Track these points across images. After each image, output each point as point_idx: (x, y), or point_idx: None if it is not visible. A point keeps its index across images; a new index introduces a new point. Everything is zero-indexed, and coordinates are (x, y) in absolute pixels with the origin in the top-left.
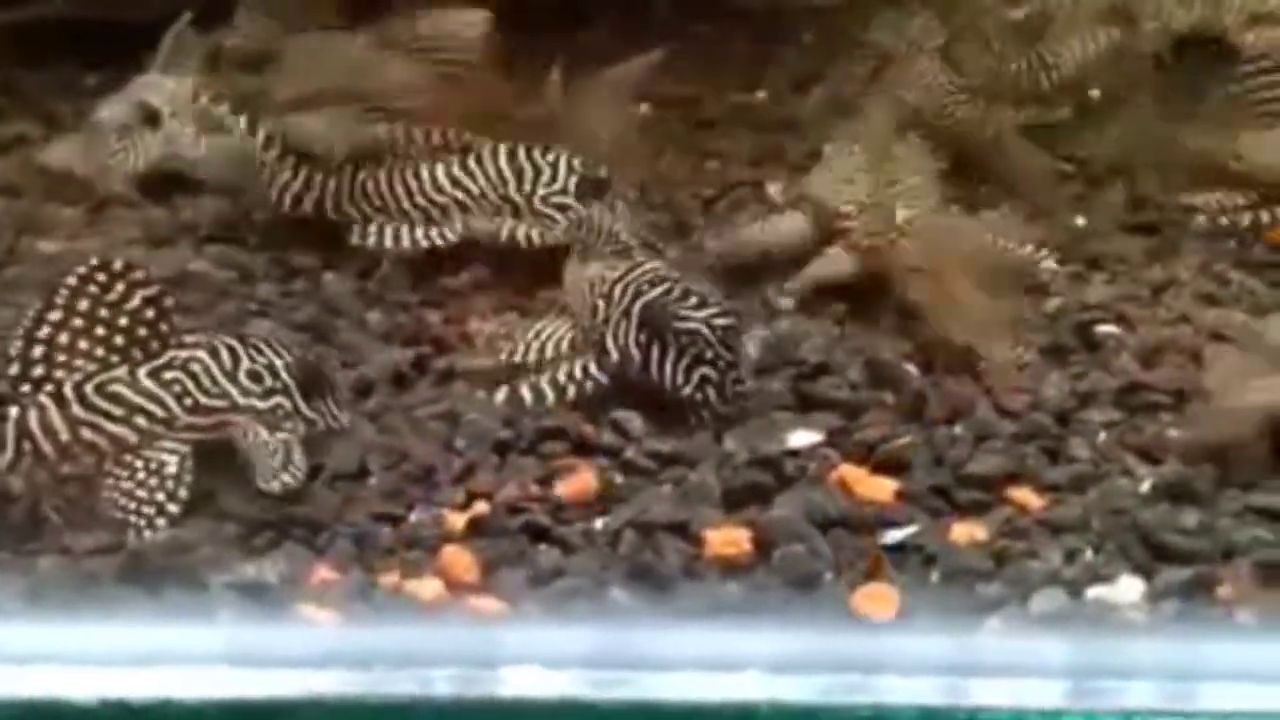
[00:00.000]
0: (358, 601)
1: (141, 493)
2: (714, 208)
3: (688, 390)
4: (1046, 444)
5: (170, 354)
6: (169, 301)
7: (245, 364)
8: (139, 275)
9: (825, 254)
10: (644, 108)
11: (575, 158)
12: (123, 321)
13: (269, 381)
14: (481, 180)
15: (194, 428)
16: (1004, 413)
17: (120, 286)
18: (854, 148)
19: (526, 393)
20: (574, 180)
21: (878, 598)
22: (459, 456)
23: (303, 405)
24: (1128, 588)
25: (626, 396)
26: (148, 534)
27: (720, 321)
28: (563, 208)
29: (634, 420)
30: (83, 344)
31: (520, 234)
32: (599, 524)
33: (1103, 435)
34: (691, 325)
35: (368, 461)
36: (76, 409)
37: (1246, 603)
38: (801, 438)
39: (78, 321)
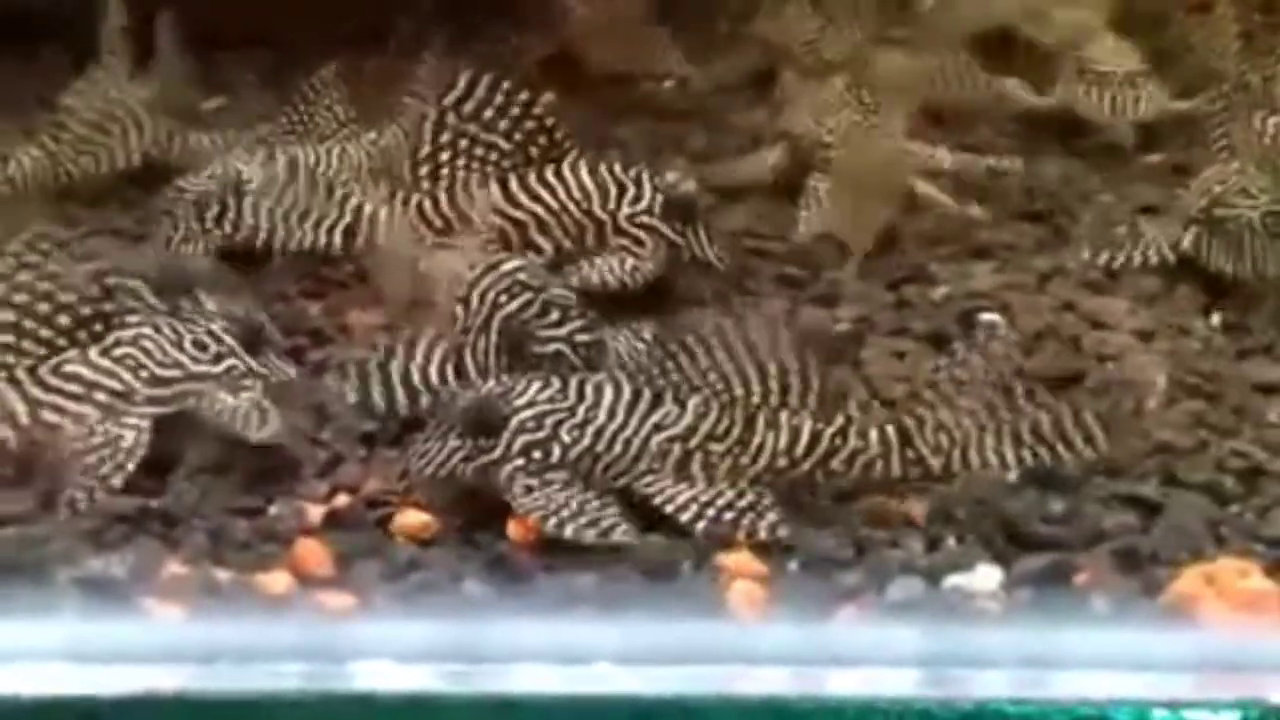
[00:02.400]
0: (206, 596)
1: (90, 461)
2: None
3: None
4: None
5: (115, 334)
6: None
7: (187, 336)
8: None
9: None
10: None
11: (656, 175)
12: None
13: (214, 347)
14: (563, 195)
15: (155, 400)
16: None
17: None
18: (835, 80)
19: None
20: (660, 200)
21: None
22: (325, 449)
23: (251, 362)
24: (985, 576)
25: None
26: (82, 505)
27: (583, 338)
28: (650, 229)
29: None
30: None
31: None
32: None
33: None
34: (553, 348)
35: (230, 454)
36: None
37: (1103, 590)
38: None
39: None
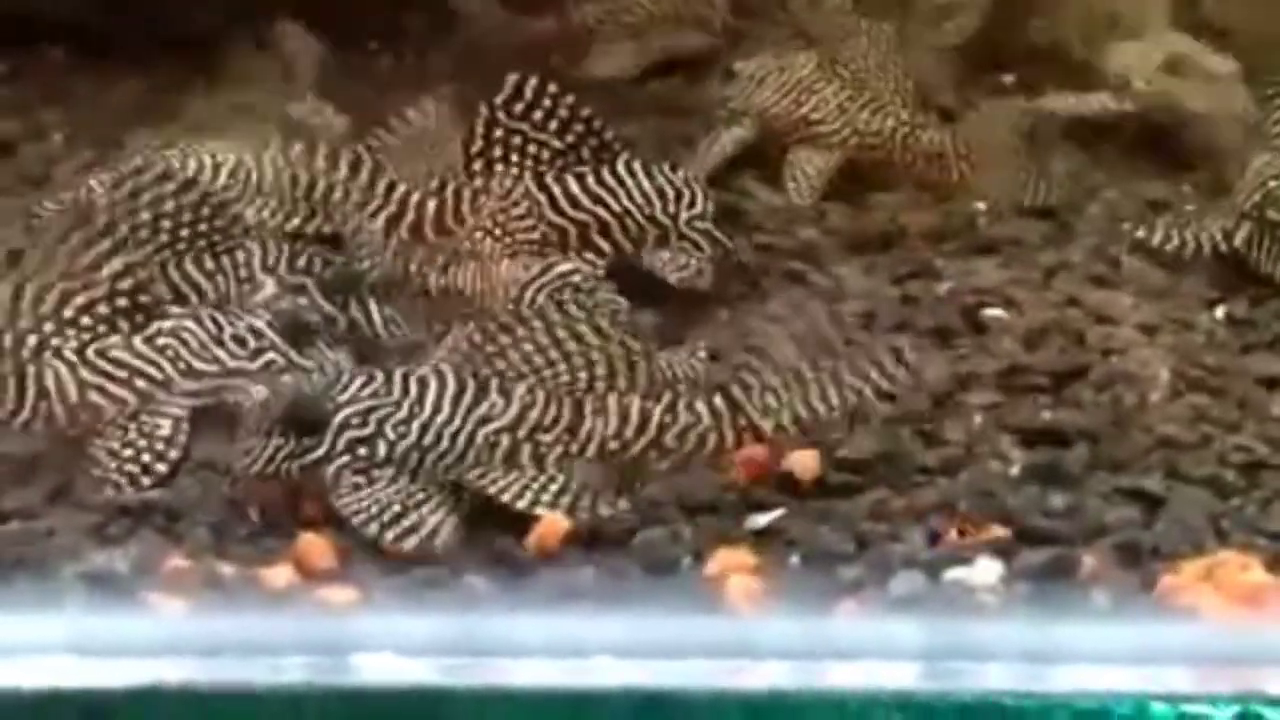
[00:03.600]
0: (209, 589)
1: (129, 452)
2: None
3: None
4: (922, 427)
5: (157, 324)
6: None
7: (228, 330)
8: None
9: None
10: None
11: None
12: None
13: (254, 343)
14: (624, 199)
15: (190, 393)
16: (883, 396)
17: None
18: (803, 58)
19: None
20: (711, 205)
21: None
22: None
23: (295, 357)
24: (986, 569)
25: None
26: (130, 492)
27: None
28: (706, 234)
29: None
30: None
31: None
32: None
33: (978, 418)
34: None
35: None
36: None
37: (1104, 584)
38: None
39: None
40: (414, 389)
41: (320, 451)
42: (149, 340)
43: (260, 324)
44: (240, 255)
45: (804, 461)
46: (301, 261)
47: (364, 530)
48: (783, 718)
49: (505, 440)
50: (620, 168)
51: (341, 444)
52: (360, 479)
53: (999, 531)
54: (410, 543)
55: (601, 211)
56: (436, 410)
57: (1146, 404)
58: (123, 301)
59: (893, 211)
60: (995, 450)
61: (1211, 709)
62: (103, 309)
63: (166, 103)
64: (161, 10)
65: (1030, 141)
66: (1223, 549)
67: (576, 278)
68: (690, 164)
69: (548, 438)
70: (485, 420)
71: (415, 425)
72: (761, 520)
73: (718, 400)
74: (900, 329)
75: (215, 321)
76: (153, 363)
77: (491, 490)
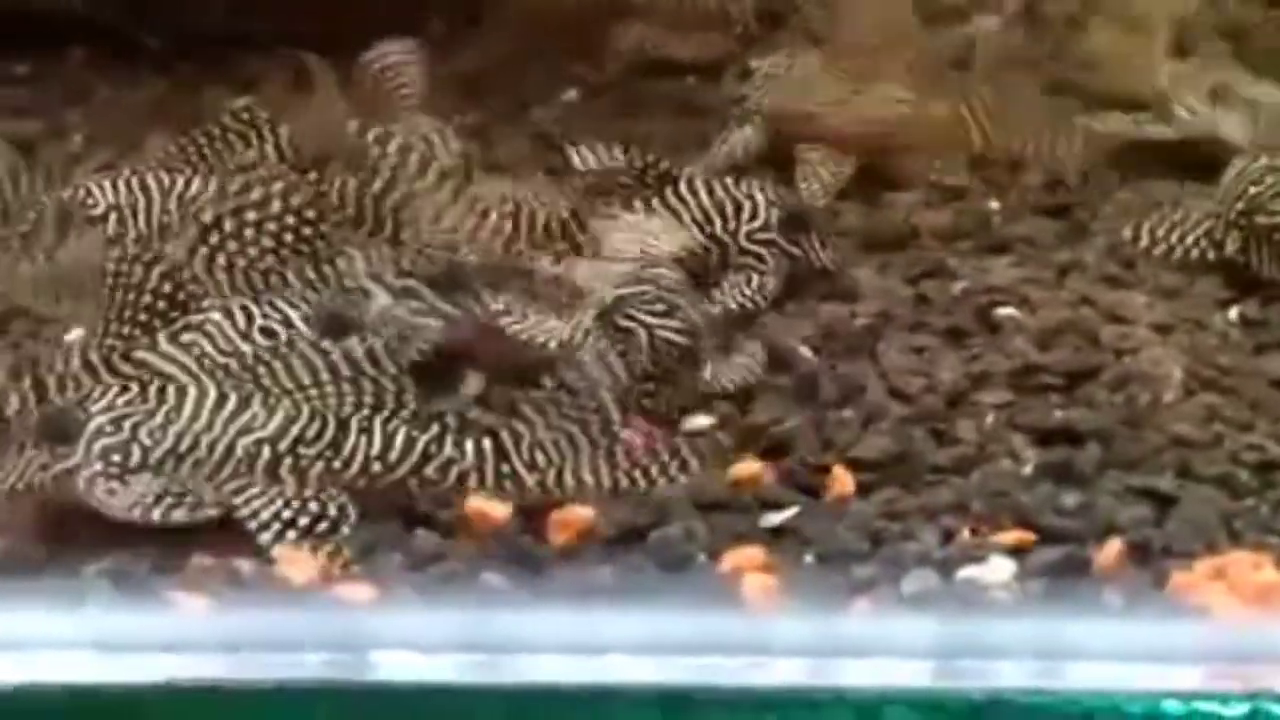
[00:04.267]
0: (230, 586)
1: None
2: None
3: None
4: (935, 426)
5: (186, 319)
6: None
7: (258, 321)
8: None
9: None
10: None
11: (770, 190)
12: None
13: (284, 334)
14: (687, 220)
15: None
16: (896, 395)
17: None
18: (810, 56)
19: None
20: (775, 214)
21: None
22: None
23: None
24: (999, 568)
25: None
26: None
27: (666, 335)
28: (769, 244)
29: None
30: None
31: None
32: None
33: (991, 417)
34: (631, 325)
35: None
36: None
37: (1116, 582)
38: (693, 421)
39: None
40: (172, 397)
41: (73, 460)
42: (174, 337)
43: (296, 314)
44: (342, 263)
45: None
46: (405, 263)
47: (134, 514)
48: (797, 714)
49: (266, 452)
50: (682, 187)
51: (95, 451)
52: (116, 485)
53: (1019, 534)
54: (177, 516)
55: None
56: (194, 418)
57: (1159, 403)
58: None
59: (907, 211)
60: (1008, 449)
61: (1222, 707)
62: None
63: (188, 103)
64: (182, 10)
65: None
66: (1235, 548)
67: (665, 282)
68: (700, 164)
69: (310, 452)
70: (246, 431)
71: (171, 432)
72: (776, 518)
73: (486, 443)
74: (915, 329)
75: (248, 313)
76: (176, 362)
77: (235, 502)
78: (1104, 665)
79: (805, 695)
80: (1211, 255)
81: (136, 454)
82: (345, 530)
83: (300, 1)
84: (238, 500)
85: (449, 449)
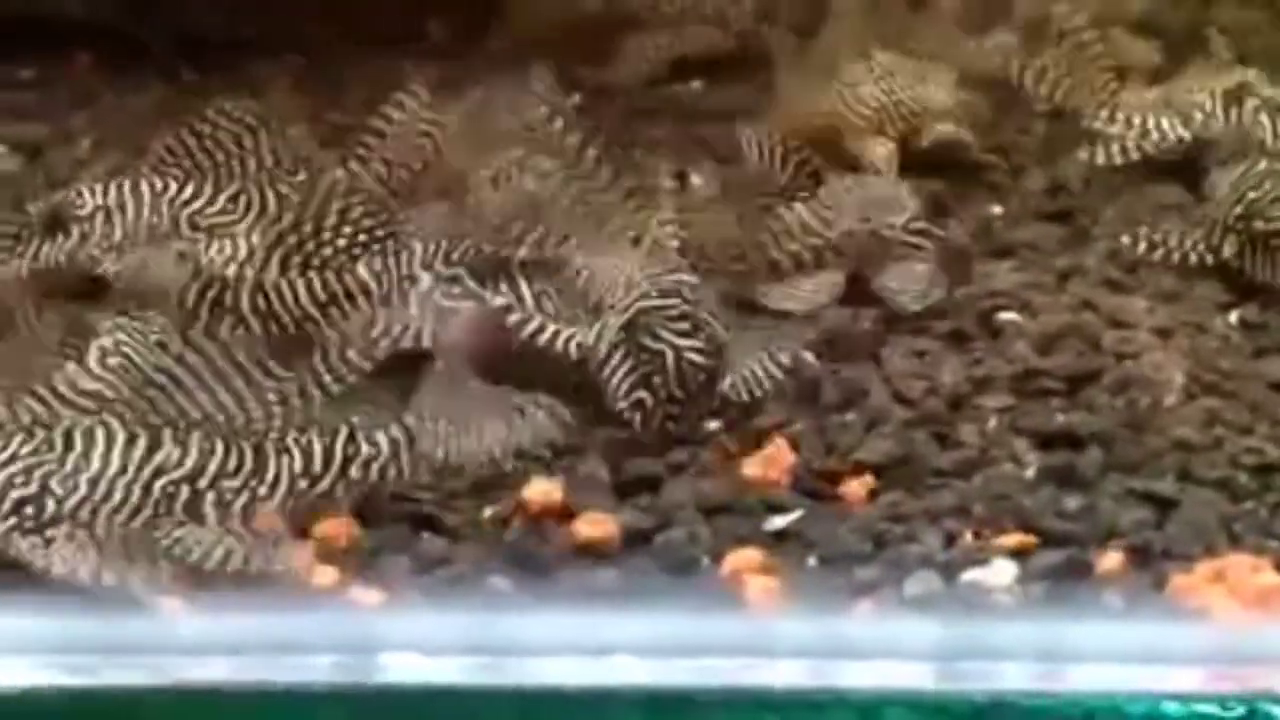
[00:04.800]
0: (235, 589)
1: None
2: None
3: (621, 404)
4: (937, 430)
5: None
6: None
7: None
8: None
9: None
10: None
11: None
12: None
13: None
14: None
15: None
16: (899, 399)
17: None
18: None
19: None
20: (916, 203)
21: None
22: None
23: None
24: (1001, 570)
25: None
26: None
27: (693, 357)
28: (925, 233)
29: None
30: None
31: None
32: (487, 512)
33: (993, 421)
34: (658, 347)
35: None
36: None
37: (1117, 585)
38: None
39: None
40: (79, 443)
41: None
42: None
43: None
44: (404, 254)
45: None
46: (455, 255)
47: (79, 578)
48: (799, 716)
49: (185, 490)
50: (841, 187)
51: (7, 505)
52: (37, 539)
53: (1021, 537)
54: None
55: (832, 234)
56: (105, 464)
57: (1160, 407)
58: None
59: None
60: (1010, 453)
61: (1222, 709)
62: None
63: (194, 108)
64: (187, 14)
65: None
66: (1235, 551)
67: (680, 286)
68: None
69: (232, 484)
70: (161, 471)
71: (84, 480)
72: (780, 522)
73: (394, 430)
74: (917, 333)
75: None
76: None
77: (177, 551)
78: (1105, 667)
79: (808, 697)
80: (1210, 260)
81: (51, 505)
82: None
83: (302, 5)
84: (169, 542)
85: (365, 446)
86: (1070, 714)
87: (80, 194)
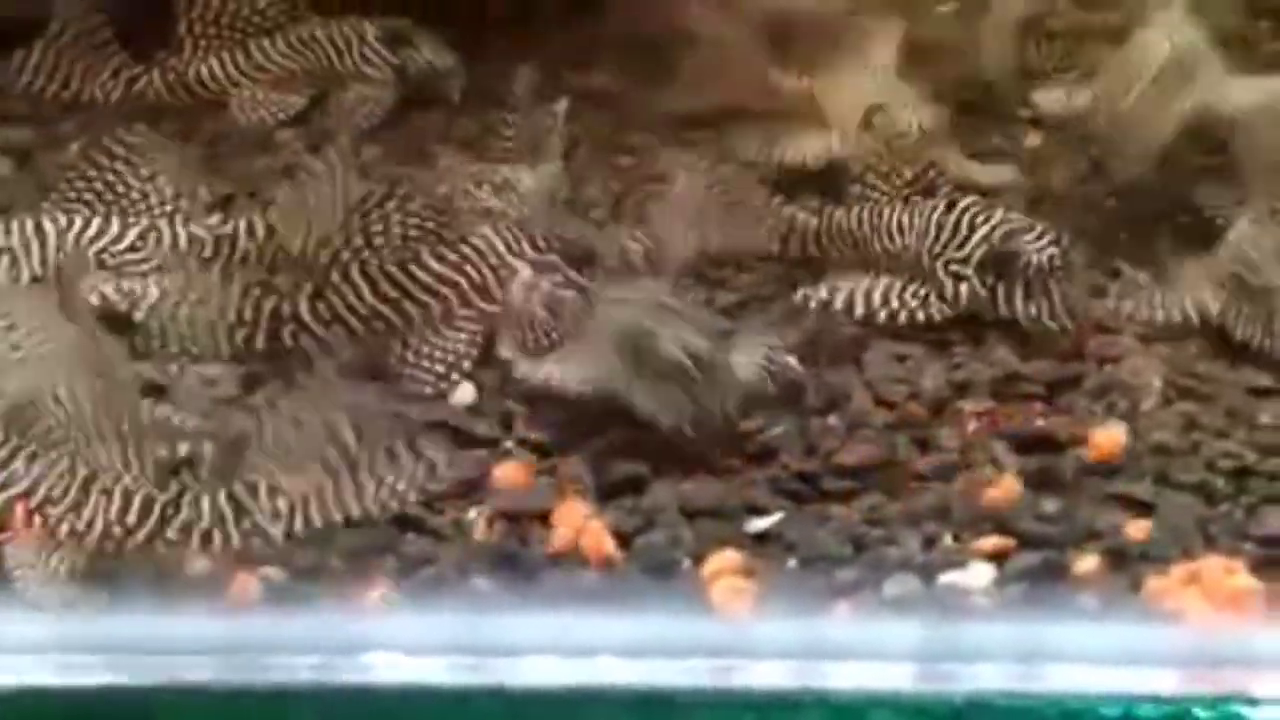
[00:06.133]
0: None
1: None
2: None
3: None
4: (918, 434)
5: None
6: None
7: None
8: None
9: None
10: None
11: (1002, 223)
12: None
13: None
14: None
15: None
16: (880, 403)
17: None
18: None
19: None
20: (982, 251)
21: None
22: None
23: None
24: (979, 573)
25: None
26: None
27: (696, 341)
28: (959, 278)
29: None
30: None
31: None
32: (471, 514)
33: (974, 425)
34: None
35: None
36: None
37: (1094, 587)
38: None
39: None
40: None
41: None
42: None
43: None
44: (480, 242)
45: None
46: (540, 242)
47: None
48: (780, 716)
49: (20, 509)
50: (930, 202)
51: None
52: None
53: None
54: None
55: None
56: None
57: (1138, 412)
58: None
59: None
60: (990, 456)
61: (1196, 708)
62: None
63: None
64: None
65: None
66: (1210, 553)
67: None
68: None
69: (55, 511)
70: (4, 486)
71: None
72: (761, 524)
73: (222, 500)
74: (899, 337)
75: None
76: None
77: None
78: (1081, 668)
79: (788, 698)
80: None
81: None
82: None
83: None
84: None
85: (186, 510)
86: (1047, 714)
87: None
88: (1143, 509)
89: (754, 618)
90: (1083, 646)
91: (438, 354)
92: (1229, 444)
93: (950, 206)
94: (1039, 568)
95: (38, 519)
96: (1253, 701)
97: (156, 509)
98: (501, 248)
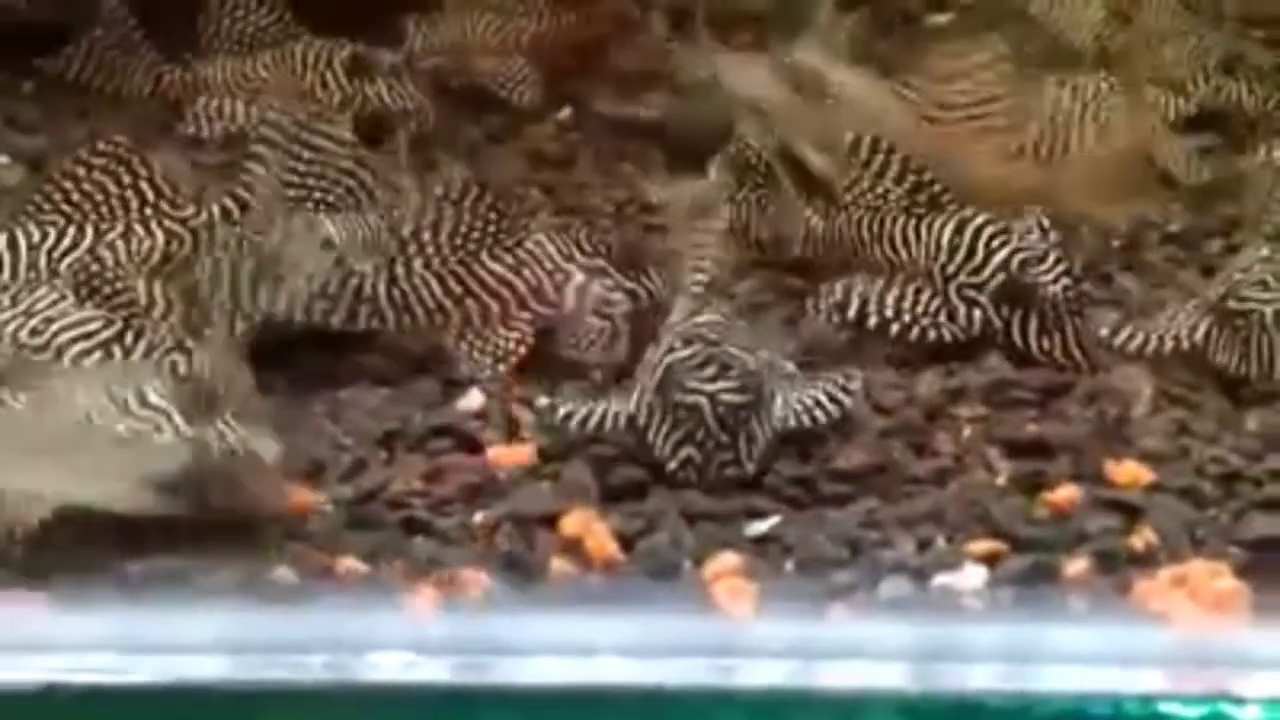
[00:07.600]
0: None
1: None
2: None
3: (672, 466)
4: (913, 439)
5: None
6: None
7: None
8: None
9: None
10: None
11: (1024, 249)
12: None
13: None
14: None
15: None
16: (876, 408)
17: None
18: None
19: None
20: (998, 280)
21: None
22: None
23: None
24: (971, 575)
25: None
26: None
27: (728, 398)
28: (973, 304)
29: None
30: None
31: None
32: (478, 517)
33: (968, 430)
34: (692, 400)
35: None
36: None
37: (1084, 589)
38: None
39: None
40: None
41: None
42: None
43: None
44: (534, 246)
45: None
46: (588, 245)
47: None
48: (777, 716)
49: None
50: (940, 218)
51: None
52: None
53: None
54: None
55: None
56: None
57: (1129, 418)
58: None
59: None
60: (984, 461)
61: (1182, 708)
62: None
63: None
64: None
65: None
66: (1197, 557)
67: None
68: None
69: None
70: None
71: None
72: (760, 527)
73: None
74: (894, 343)
75: None
76: None
77: None
78: (1070, 669)
79: (785, 696)
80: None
81: None
82: None
83: None
84: None
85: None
86: (1037, 714)
87: None
88: (1132, 513)
89: (753, 618)
90: (1073, 647)
91: (489, 347)
92: (1217, 449)
93: (961, 227)
94: (1030, 570)
95: None
96: (1238, 701)
97: None
98: (554, 251)
